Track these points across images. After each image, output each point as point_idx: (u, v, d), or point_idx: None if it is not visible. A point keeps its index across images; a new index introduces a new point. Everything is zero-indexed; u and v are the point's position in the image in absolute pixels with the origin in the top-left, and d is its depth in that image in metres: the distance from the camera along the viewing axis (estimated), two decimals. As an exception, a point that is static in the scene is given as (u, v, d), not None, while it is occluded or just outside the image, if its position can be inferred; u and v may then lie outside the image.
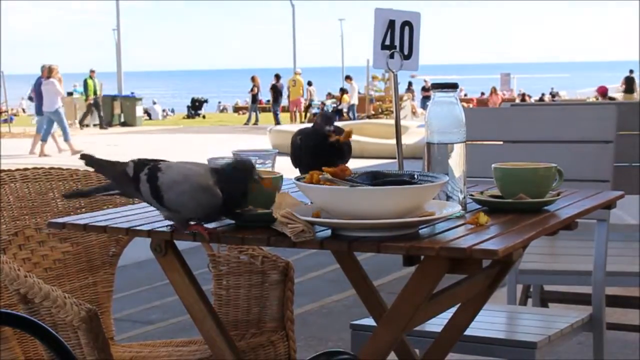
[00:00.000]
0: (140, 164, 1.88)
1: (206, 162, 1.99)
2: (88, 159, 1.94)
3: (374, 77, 26.35)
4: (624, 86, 29.19)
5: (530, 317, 2.83)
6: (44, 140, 17.07)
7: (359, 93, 27.98)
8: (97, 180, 2.62)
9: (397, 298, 1.81)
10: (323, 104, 30.23)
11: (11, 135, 23.00)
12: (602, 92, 20.32)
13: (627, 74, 29.23)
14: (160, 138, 19.04)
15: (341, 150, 2.12)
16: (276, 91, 26.54)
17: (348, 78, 27.03)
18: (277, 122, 25.86)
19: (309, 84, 27.65)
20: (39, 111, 17.33)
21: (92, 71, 25.12)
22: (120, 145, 18.31)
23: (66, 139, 16.97)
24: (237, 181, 1.81)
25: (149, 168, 1.86)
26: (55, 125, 17.06)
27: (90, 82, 24.73)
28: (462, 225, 1.87)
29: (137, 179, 1.86)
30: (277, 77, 27.61)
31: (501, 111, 4.07)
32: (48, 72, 17.01)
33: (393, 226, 1.73)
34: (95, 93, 24.77)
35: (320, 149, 2.11)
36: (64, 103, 18.25)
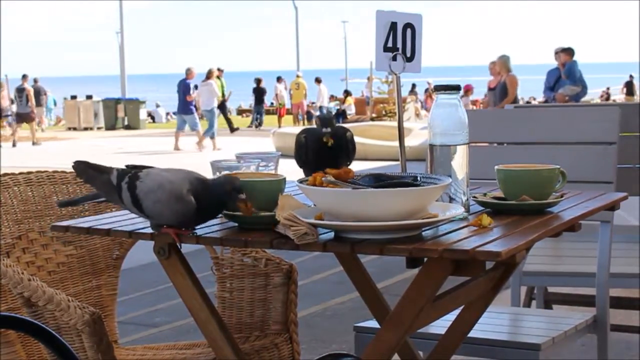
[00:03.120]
0: (122, 172, 1.91)
1: (209, 165, 2.00)
2: (79, 169, 1.96)
3: (369, 79, 26.31)
4: (625, 89, 31.29)
5: (534, 318, 2.83)
6: (213, 137, 17.93)
7: (361, 95, 27.89)
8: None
9: (401, 300, 1.81)
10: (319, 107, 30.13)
11: (17, 139, 22.92)
12: (467, 89, 21.35)
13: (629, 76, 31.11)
14: (164, 141, 19.02)
15: (340, 151, 2.15)
16: (260, 93, 26.47)
17: (317, 80, 26.75)
18: (259, 124, 26.02)
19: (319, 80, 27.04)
20: (186, 110, 17.69)
21: (219, 70, 21.33)
22: (123, 148, 18.31)
23: (205, 136, 17.96)
24: (215, 194, 1.83)
25: (129, 177, 1.89)
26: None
27: (217, 82, 20.77)
28: (465, 227, 1.87)
29: (120, 187, 1.89)
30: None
31: (504, 113, 4.06)
32: (208, 73, 18.30)
33: (396, 228, 1.73)
34: (223, 94, 21.89)
35: (323, 149, 2.13)
36: (68, 106, 18.45)
